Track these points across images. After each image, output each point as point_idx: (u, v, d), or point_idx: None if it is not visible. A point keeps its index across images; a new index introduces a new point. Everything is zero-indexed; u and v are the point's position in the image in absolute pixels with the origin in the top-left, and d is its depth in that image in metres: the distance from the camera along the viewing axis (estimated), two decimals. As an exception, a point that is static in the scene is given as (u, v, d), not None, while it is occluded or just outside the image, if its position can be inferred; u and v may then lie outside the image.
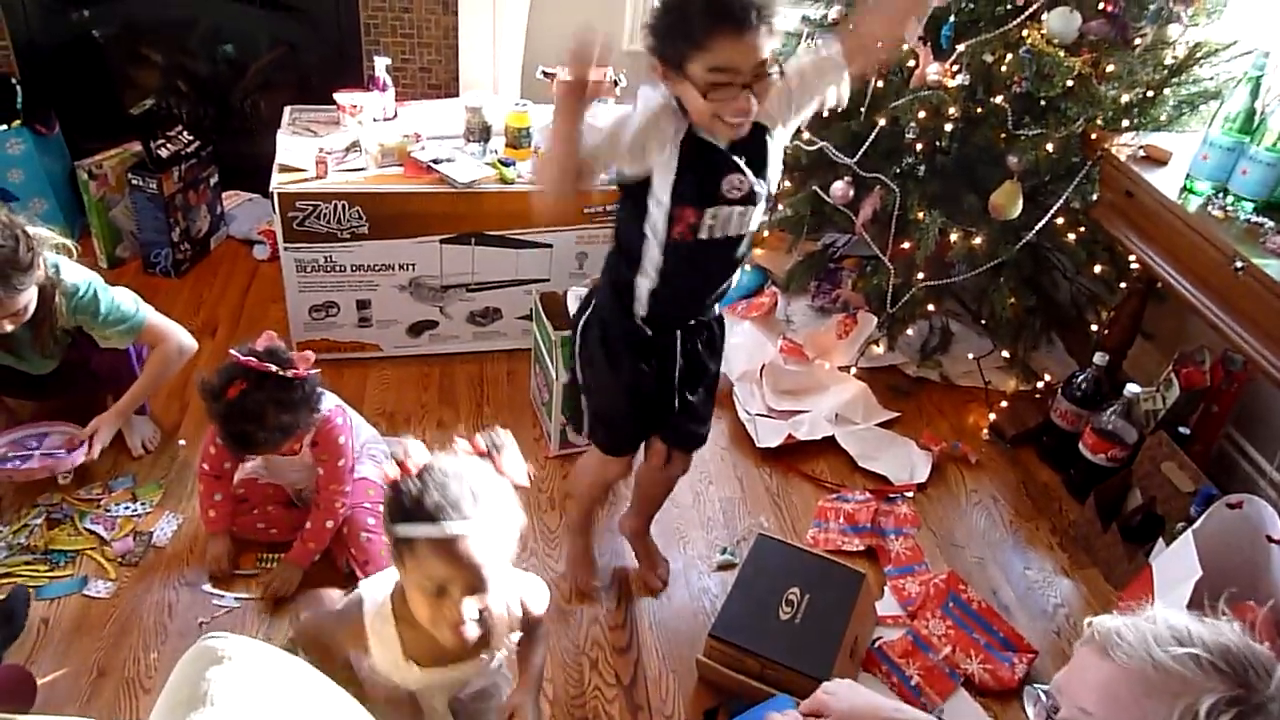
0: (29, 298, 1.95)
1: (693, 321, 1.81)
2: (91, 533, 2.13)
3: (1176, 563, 1.81)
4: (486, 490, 1.29)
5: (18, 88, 3.01)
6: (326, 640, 1.50)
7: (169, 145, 2.93)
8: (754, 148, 1.63)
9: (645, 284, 1.72)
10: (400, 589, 1.38)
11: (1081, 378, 2.52)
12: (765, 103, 1.54)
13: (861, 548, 2.30)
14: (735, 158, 1.61)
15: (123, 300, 2.13)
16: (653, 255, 1.68)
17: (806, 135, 2.76)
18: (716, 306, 1.85)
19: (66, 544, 2.10)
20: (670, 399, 1.87)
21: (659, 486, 2.14)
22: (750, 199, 1.65)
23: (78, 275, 2.08)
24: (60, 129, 3.09)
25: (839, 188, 2.67)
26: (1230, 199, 2.10)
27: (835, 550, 2.28)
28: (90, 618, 1.96)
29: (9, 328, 1.96)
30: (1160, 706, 0.81)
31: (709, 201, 1.62)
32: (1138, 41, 2.41)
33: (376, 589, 1.44)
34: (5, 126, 2.91)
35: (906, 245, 2.61)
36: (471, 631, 1.30)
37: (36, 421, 2.29)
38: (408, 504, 1.25)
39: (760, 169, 1.64)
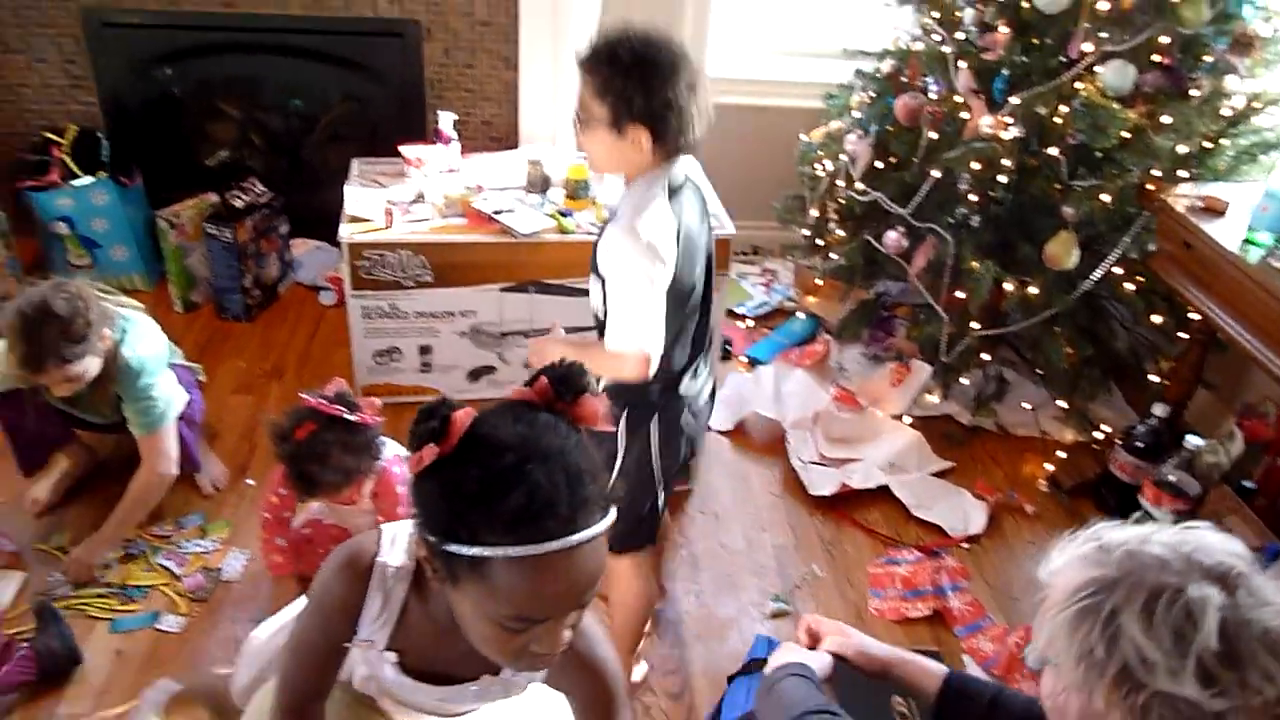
0: (83, 368, 2.00)
1: None
2: (163, 568, 2.21)
3: (1241, 619, 1.78)
4: (589, 450, 0.95)
5: (104, 142, 3.18)
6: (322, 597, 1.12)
7: (243, 196, 3.05)
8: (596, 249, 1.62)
9: None
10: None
11: (1141, 429, 2.50)
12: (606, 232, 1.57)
13: (927, 612, 2.27)
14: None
15: (161, 397, 2.15)
16: None
17: (860, 186, 2.80)
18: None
19: (140, 579, 2.18)
20: None
21: None
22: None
23: (147, 350, 2.14)
24: (142, 180, 3.24)
25: (892, 237, 2.69)
26: (1292, 251, 2.09)
27: (901, 619, 2.25)
28: (161, 651, 2.03)
29: (65, 392, 2.05)
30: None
31: None
32: (1194, 93, 2.41)
33: (400, 540, 1.10)
34: (92, 178, 3.07)
35: (960, 294, 2.62)
36: (548, 661, 0.99)
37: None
38: (467, 508, 0.88)
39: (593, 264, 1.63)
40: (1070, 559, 0.93)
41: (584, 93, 1.53)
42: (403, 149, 2.86)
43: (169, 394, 2.20)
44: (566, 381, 0.96)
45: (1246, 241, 2.15)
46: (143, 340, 2.16)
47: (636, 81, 1.48)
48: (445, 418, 0.90)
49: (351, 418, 1.89)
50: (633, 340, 1.56)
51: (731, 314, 3.29)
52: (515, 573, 0.88)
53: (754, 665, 1.99)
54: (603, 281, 1.59)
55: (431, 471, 0.90)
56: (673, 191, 1.58)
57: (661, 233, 1.54)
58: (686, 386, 1.73)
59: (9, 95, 3.24)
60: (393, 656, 1.14)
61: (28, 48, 3.16)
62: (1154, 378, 2.71)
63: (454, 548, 0.89)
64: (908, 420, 2.81)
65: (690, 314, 1.67)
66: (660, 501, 1.78)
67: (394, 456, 2.09)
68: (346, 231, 2.57)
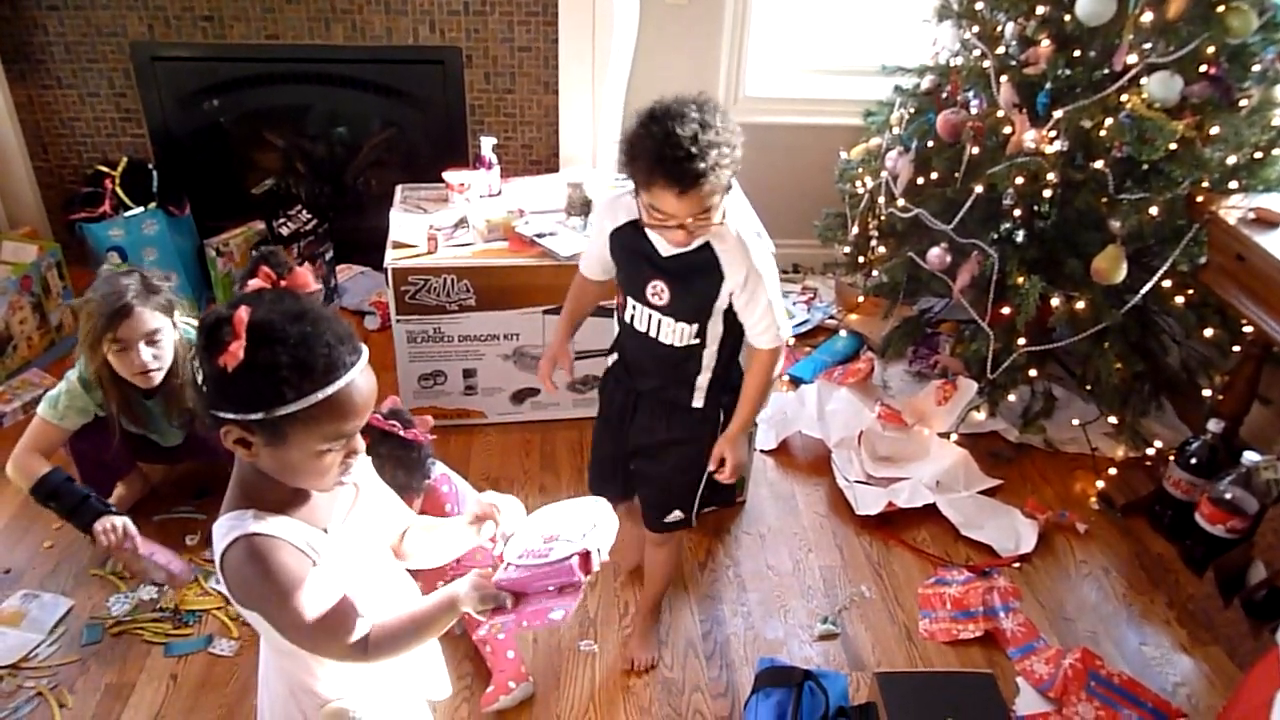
0: (160, 325, 2.12)
1: (649, 390, 1.87)
2: (217, 592, 2.23)
3: (1307, 641, 1.73)
4: (319, 302, 1.17)
5: (154, 173, 3.25)
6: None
7: (289, 223, 3.11)
8: (696, 269, 1.67)
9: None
10: (250, 483, 1.20)
11: (1195, 445, 2.45)
12: (725, 244, 1.65)
13: (979, 633, 2.23)
14: (662, 267, 1.68)
15: None
16: (618, 314, 1.84)
17: (901, 202, 2.79)
18: (683, 394, 1.83)
19: (194, 604, 2.21)
20: (624, 458, 1.97)
21: (634, 549, 2.25)
22: (668, 311, 1.72)
23: None
24: (190, 210, 3.31)
25: (936, 254, 2.67)
26: (1350, 262, 2.04)
27: (952, 640, 2.22)
28: (215, 675, 2.05)
29: (149, 357, 2.11)
30: None
31: (634, 295, 1.76)
32: (1243, 103, 2.38)
33: (223, 526, 1.21)
34: (142, 208, 3.14)
35: (1006, 310, 2.59)
36: (354, 461, 1.21)
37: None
38: (289, 373, 1.08)
39: (687, 287, 1.68)
40: None
41: (702, 203, 1.55)
42: (445, 174, 2.90)
43: None
44: (278, 265, 1.20)
45: (1302, 253, 2.12)
46: None
47: (716, 158, 1.51)
48: (229, 320, 1.07)
49: (405, 435, 1.92)
50: (781, 333, 1.74)
51: (773, 333, 3.28)
52: (335, 403, 1.11)
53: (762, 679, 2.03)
54: (711, 300, 1.69)
55: (242, 366, 1.07)
56: None
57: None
58: None
59: (62, 129, 3.33)
60: (325, 536, 1.24)
61: (80, 83, 3.25)
62: (1207, 392, 2.66)
63: (286, 409, 1.09)
64: (954, 438, 2.78)
65: None
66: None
67: (442, 475, 2.12)
68: (391, 257, 2.60)
